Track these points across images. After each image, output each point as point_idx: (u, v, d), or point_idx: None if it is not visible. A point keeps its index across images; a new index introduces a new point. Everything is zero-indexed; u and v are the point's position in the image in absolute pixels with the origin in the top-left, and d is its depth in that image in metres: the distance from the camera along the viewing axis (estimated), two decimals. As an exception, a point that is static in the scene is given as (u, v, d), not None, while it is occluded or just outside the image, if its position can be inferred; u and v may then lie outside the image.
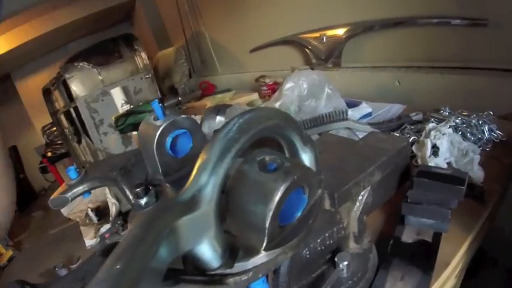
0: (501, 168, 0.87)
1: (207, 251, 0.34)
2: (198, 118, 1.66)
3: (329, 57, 1.69)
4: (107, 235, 2.32)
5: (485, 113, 0.99)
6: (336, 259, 0.54)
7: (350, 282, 0.55)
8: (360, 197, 0.56)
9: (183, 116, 0.48)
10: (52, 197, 0.53)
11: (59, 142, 2.70)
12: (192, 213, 0.32)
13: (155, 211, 0.32)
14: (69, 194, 0.52)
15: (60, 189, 0.54)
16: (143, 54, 2.16)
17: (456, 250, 0.65)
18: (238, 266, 0.35)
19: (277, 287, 0.49)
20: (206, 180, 0.33)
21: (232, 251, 0.36)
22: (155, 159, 0.47)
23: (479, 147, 0.93)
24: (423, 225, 0.66)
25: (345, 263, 0.53)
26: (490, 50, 1.12)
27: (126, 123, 1.41)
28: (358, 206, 0.56)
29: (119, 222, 2.41)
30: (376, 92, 1.52)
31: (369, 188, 0.57)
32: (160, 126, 0.46)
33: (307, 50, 1.79)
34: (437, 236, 0.65)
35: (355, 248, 0.58)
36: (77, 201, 2.55)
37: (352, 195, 0.54)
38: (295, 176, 0.32)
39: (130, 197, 0.49)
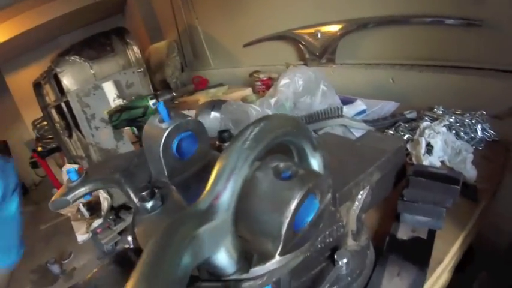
0: (494, 167, 0.89)
1: (224, 258, 0.34)
2: (191, 113, 1.65)
3: (323, 53, 1.70)
4: (98, 230, 2.32)
5: (478, 112, 1.01)
6: (335, 256, 0.55)
7: (349, 278, 0.56)
8: (359, 196, 0.58)
9: (188, 118, 0.48)
10: (52, 199, 0.53)
11: (50, 136, 2.67)
12: (210, 222, 0.32)
13: (175, 222, 0.32)
14: (70, 196, 0.51)
15: (60, 191, 0.54)
16: (135, 48, 2.14)
17: (450, 247, 0.67)
18: (253, 271, 0.36)
19: (278, 285, 0.49)
20: (224, 189, 0.33)
21: (246, 256, 0.36)
22: (161, 162, 0.47)
23: (472, 146, 0.95)
24: (418, 223, 0.67)
25: (344, 260, 0.54)
26: (484, 50, 1.14)
27: (120, 119, 1.40)
28: (357, 205, 0.58)
29: (110, 217, 2.41)
30: (370, 89, 1.53)
31: (368, 187, 0.58)
32: (166, 129, 0.46)
33: (301, 46, 1.79)
34: (432, 233, 0.66)
35: (353, 245, 0.59)
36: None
37: (352, 194, 0.55)
38: (310, 184, 0.33)
39: (135, 200, 0.48)
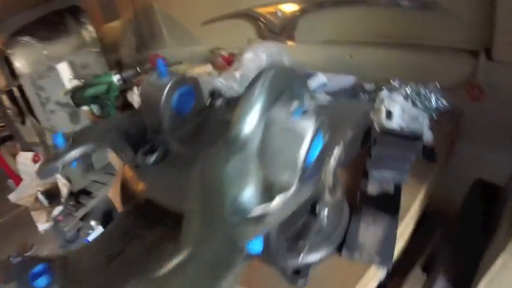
0: (447, 133, 0.99)
1: (248, 194, 0.37)
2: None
3: (283, 31, 1.73)
4: (60, 218, 2.25)
5: (432, 84, 1.09)
6: (316, 209, 0.59)
7: (330, 229, 0.61)
8: (335, 153, 0.62)
9: (186, 74, 0.50)
10: (39, 166, 0.51)
11: (1, 124, 2.53)
12: (242, 152, 0.35)
13: (214, 153, 0.34)
14: (59, 162, 0.49)
15: (47, 158, 0.52)
16: (90, 28, 2.07)
17: (414, 198, 0.74)
18: (272, 206, 0.39)
19: (268, 237, 0.53)
20: (253, 121, 0.36)
21: (266, 192, 0.39)
22: (161, 117, 0.48)
23: (427, 114, 1.03)
24: (385, 178, 0.74)
25: (325, 211, 0.59)
26: (436, 30, 1.22)
27: (84, 96, 1.36)
28: (333, 160, 0.62)
29: (71, 203, 2.34)
30: (329, 65, 1.58)
31: (342, 144, 0.63)
32: (167, 83, 0.47)
33: (261, 24, 1.82)
34: (398, 187, 0.73)
35: (330, 199, 0.64)
36: (25, 185, 2.41)
37: (330, 149, 0.59)
38: (321, 118, 0.37)
39: (132, 157, 0.49)
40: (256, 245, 0.51)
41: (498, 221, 0.73)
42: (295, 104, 0.39)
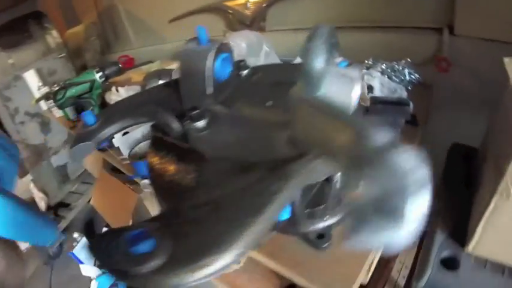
0: (421, 101, 1.07)
1: None
2: (128, 89, 1.62)
3: (253, 22, 1.76)
4: (40, 233, 2.16)
5: (404, 60, 1.17)
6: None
7: (342, 194, 0.66)
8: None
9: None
10: (71, 147, 0.48)
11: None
12: (317, 90, 0.39)
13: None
14: (93, 140, 0.47)
15: (77, 137, 0.48)
16: (54, 33, 2.01)
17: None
18: None
19: (293, 205, 0.57)
20: (320, 61, 0.41)
21: None
22: (205, 82, 0.50)
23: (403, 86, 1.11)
24: (380, 143, 0.80)
25: (338, 176, 0.64)
26: (404, 12, 1.31)
27: (66, 97, 1.31)
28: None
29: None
30: (302, 51, 1.64)
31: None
32: (209, 50, 0.50)
33: (230, 16, 1.84)
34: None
35: (338, 164, 0.69)
36: None
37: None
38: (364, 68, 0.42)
39: (175, 126, 0.48)
40: (284, 212, 0.55)
41: (478, 176, 0.81)
42: (339, 58, 0.43)
